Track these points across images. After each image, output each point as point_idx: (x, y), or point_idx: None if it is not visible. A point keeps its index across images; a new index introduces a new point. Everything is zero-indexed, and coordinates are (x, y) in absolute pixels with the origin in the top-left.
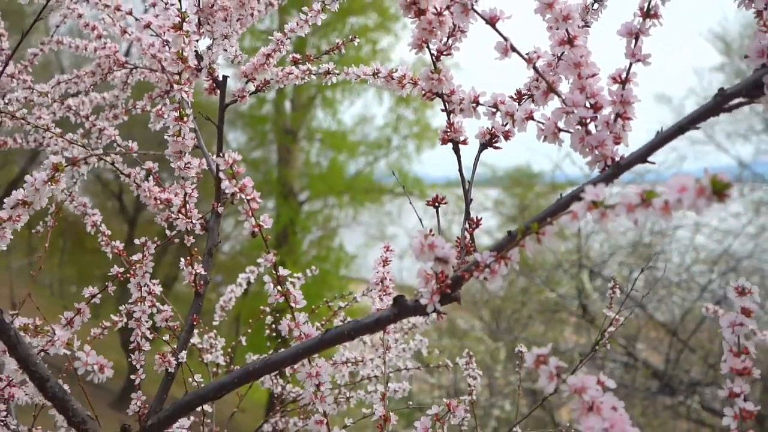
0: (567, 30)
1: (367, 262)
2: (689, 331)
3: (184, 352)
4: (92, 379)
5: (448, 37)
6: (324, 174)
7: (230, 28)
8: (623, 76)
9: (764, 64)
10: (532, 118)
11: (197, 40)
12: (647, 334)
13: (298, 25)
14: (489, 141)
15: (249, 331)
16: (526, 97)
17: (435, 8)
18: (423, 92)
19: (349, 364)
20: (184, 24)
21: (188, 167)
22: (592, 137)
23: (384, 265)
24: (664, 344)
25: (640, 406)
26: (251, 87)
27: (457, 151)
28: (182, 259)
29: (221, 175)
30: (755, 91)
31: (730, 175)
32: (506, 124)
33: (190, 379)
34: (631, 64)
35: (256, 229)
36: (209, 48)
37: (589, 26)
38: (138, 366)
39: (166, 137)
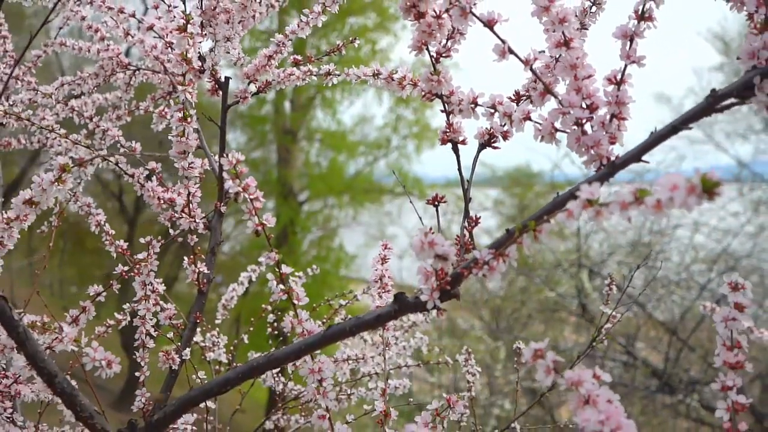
0: (563, 32)
1: (367, 262)
2: (689, 330)
3: (187, 349)
4: (94, 379)
5: (447, 40)
6: (324, 174)
7: (232, 30)
8: (618, 77)
9: (755, 66)
10: (530, 119)
11: (200, 42)
12: (647, 333)
13: (299, 26)
14: (488, 141)
15: (251, 329)
16: (523, 98)
17: (434, 11)
18: (423, 93)
19: (350, 361)
20: (188, 26)
21: (192, 167)
22: (588, 137)
23: (383, 263)
24: (663, 343)
25: (640, 405)
26: (253, 88)
27: (456, 151)
28: (185, 258)
29: (225, 174)
30: (746, 92)
31: (729, 174)
32: (504, 124)
33: (194, 376)
34: (626, 66)
35: (259, 228)
36: (212, 50)
37: (586, 28)
38: (142, 363)
39: (170, 137)
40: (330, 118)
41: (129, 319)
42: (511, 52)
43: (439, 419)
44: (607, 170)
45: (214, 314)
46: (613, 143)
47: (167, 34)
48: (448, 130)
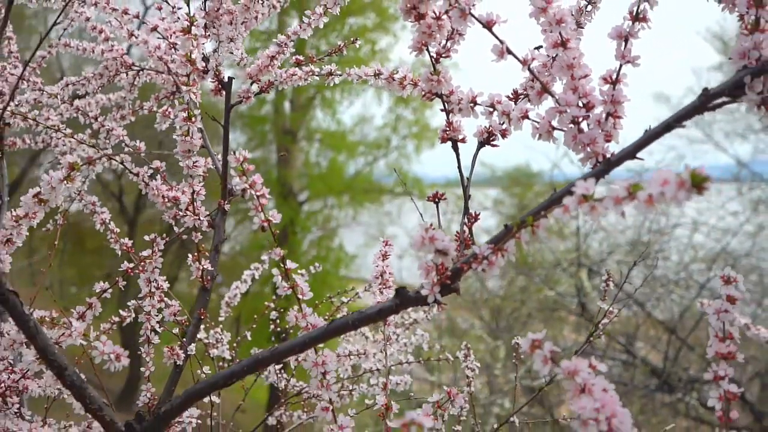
0: (560, 33)
1: (366, 262)
2: (688, 329)
3: (192, 345)
4: (95, 379)
5: (446, 40)
6: (323, 174)
7: (235, 31)
8: (614, 76)
9: (746, 66)
10: (528, 117)
11: (203, 43)
12: (646, 332)
13: (301, 28)
14: (487, 139)
15: (254, 326)
16: (521, 97)
17: (434, 13)
18: (423, 93)
19: (352, 357)
20: (192, 28)
21: (196, 166)
22: (584, 135)
23: (383, 260)
24: (662, 342)
25: (639, 404)
26: (255, 88)
27: (456, 149)
28: (186, 258)
29: (232, 171)
30: (737, 91)
31: (729, 174)
32: (503, 123)
33: (199, 371)
34: (621, 66)
35: (265, 224)
36: (215, 50)
37: (582, 27)
38: (147, 359)
39: (174, 137)
40: (330, 118)
41: (133, 316)
42: (509, 52)
43: (439, 411)
44: (603, 167)
45: (215, 313)
46: (608, 141)
47: (171, 35)
48: (448, 129)
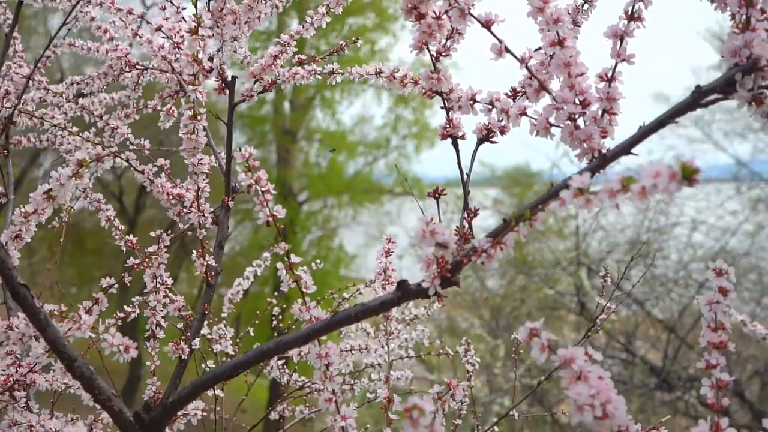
0: (557, 32)
1: (366, 262)
2: (687, 327)
3: (197, 339)
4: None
5: (446, 39)
6: (323, 174)
7: (239, 31)
8: (609, 74)
9: (737, 63)
10: (526, 114)
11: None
12: (646, 331)
13: (304, 27)
14: (486, 136)
15: (256, 322)
16: (520, 94)
17: (434, 12)
18: (423, 91)
19: (354, 352)
20: (199, 29)
21: (201, 163)
22: (581, 131)
23: (386, 256)
24: (662, 341)
25: (638, 402)
26: (259, 87)
27: (455, 145)
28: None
29: (238, 168)
30: (728, 88)
31: (728, 173)
32: (502, 120)
33: (203, 365)
34: (616, 64)
35: (270, 219)
36: (219, 50)
37: (579, 25)
38: (153, 353)
39: (180, 135)
40: (329, 118)
41: (137, 311)
42: (508, 50)
43: (440, 403)
44: (599, 162)
45: (217, 310)
46: (604, 137)
47: (175, 35)
48: (447, 126)
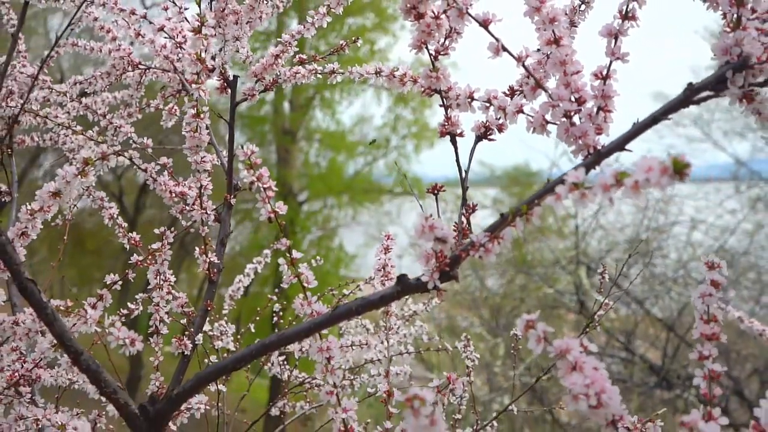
0: (553, 31)
1: (366, 262)
2: (686, 326)
3: (200, 335)
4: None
5: (445, 39)
6: (323, 174)
7: (241, 31)
8: (604, 72)
9: (728, 61)
10: (522, 112)
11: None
12: (645, 330)
13: (305, 27)
14: (484, 134)
15: (257, 318)
16: (517, 92)
17: (433, 12)
18: (423, 89)
19: (354, 347)
20: (203, 28)
21: (204, 161)
22: (576, 128)
23: (386, 253)
24: (661, 340)
25: (638, 401)
26: (260, 86)
27: (454, 142)
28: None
29: (240, 165)
30: (720, 86)
31: (727, 172)
32: (499, 117)
33: (206, 360)
34: (611, 62)
35: (272, 215)
36: (221, 49)
37: (575, 26)
38: (156, 348)
39: (183, 133)
40: (329, 118)
41: (140, 308)
42: (505, 49)
43: (440, 396)
44: (593, 158)
45: (218, 308)
46: (599, 134)
47: (177, 35)
48: (446, 124)
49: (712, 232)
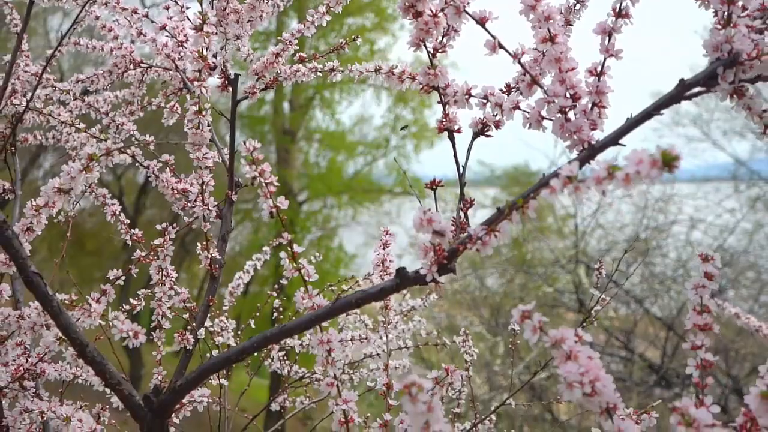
0: (549, 29)
1: (366, 261)
2: (685, 325)
3: (201, 329)
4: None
5: (443, 36)
6: (323, 174)
7: (242, 30)
8: (598, 69)
9: (718, 58)
10: (519, 108)
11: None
12: (645, 329)
13: (305, 25)
14: (481, 130)
15: (257, 314)
16: (514, 89)
17: (431, 10)
18: (421, 86)
19: (354, 341)
20: (205, 26)
21: (206, 157)
22: (571, 124)
23: (384, 248)
24: (660, 338)
25: (637, 399)
26: (261, 84)
27: (452, 138)
28: (198, 245)
29: (243, 160)
30: (710, 82)
31: (727, 172)
32: (496, 114)
33: (208, 354)
34: (605, 59)
35: (274, 210)
36: (222, 48)
37: (571, 24)
38: (159, 342)
39: (185, 130)
40: (329, 118)
41: (143, 304)
42: (501, 46)
43: (438, 387)
44: (588, 153)
45: (218, 304)
46: (593, 129)
47: (179, 33)
48: (444, 120)
49: (711, 232)
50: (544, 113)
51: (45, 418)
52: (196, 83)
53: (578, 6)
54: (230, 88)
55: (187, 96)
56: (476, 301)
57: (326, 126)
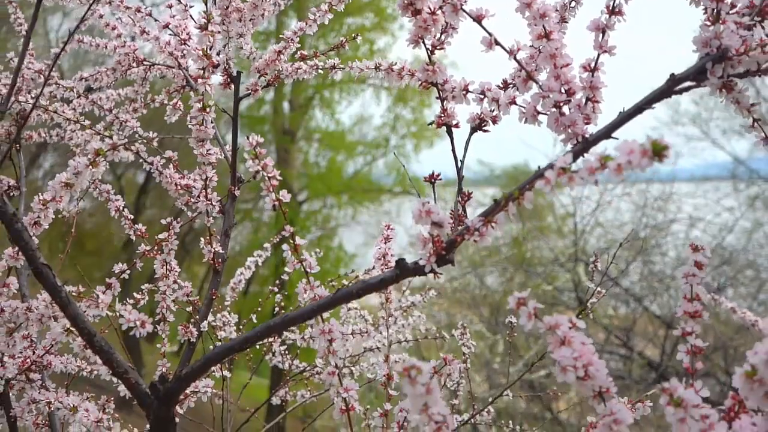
0: (544, 26)
1: (366, 261)
2: None
3: (205, 322)
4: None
5: (441, 34)
6: (322, 174)
7: (244, 28)
8: (592, 65)
9: (708, 53)
10: (515, 103)
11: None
12: (644, 327)
13: (307, 23)
14: (479, 125)
15: (259, 309)
16: (510, 85)
17: (429, 8)
18: (420, 82)
19: (354, 335)
20: (209, 25)
21: (209, 153)
22: (566, 118)
23: (385, 242)
24: (659, 336)
25: (636, 397)
26: (263, 81)
27: (450, 133)
28: (202, 239)
29: (245, 155)
30: (700, 76)
31: (726, 171)
32: (493, 109)
33: (211, 347)
34: (599, 55)
35: (276, 203)
36: (225, 46)
37: (566, 22)
38: (163, 336)
39: (189, 126)
40: (328, 118)
41: (146, 299)
42: (497, 43)
43: (437, 377)
44: (582, 146)
45: (220, 299)
46: (587, 123)
47: (182, 32)
48: (442, 115)
49: (710, 230)
50: (539, 108)
51: (52, 409)
52: (200, 81)
53: (573, 4)
54: (232, 86)
55: (191, 93)
56: (476, 299)
57: (326, 126)
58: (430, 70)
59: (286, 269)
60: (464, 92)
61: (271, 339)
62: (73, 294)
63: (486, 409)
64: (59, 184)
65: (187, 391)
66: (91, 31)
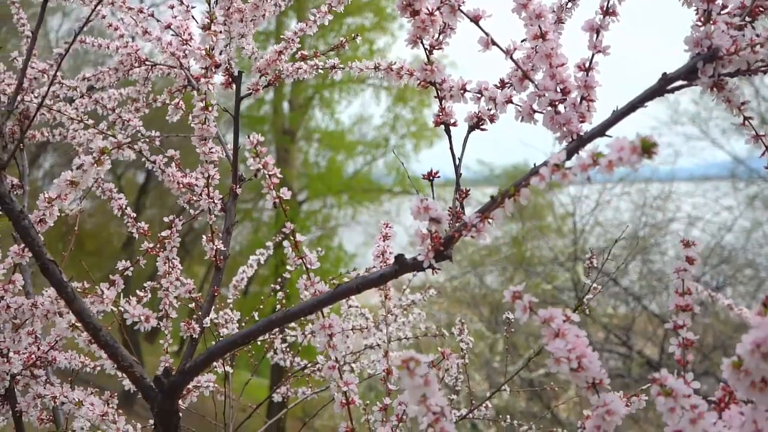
0: (540, 26)
1: (366, 261)
2: None
3: (207, 318)
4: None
5: (439, 34)
6: (322, 174)
7: (246, 28)
8: (587, 64)
9: (699, 53)
10: (511, 102)
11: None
12: (643, 327)
13: (307, 24)
14: (476, 123)
15: (261, 306)
16: (507, 85)
17: (427, 9)
18: (418, 82)
19: (354, 331)
20: (212, 25)
21: (211, 152)
22: (561, 116)
23: (384, 240)
24: (658, 335)
25: None
26: (264, 81)
27: (448, 132)
28: (203, 236)
29: (247, 153)
30: (691, 75)
31: (725, 170)
32: (490, 108)
33: (213, 342)
34: (593, 55)
35: (277, 201)
36: (227, 46)
37: (563, 23)
38: (166, 332)
39: (191, 125)
40: (328, 118)
41: (149, 296)
42: (494, 43)
43: (435, 370)
44: (576, 144)
45: (222, 297)
46: (582, 121)
47: (183, 32)
48: (440, 114)
49: (709, 229)
50: (535, 106)
51: (57, 404)
52: (203, 80)
53: (570, 4)
54: (234, 85)
55: (194, 93)
56: (476, 299)
57: (326, 126)
58: (429, 69)
59: (287, 267)
60: (462, 91)
61: (272, 336)
62: (78, 290)
63: (484, 405)
64: (65, 181)
65: (190, 386)
66: (92, 31)
